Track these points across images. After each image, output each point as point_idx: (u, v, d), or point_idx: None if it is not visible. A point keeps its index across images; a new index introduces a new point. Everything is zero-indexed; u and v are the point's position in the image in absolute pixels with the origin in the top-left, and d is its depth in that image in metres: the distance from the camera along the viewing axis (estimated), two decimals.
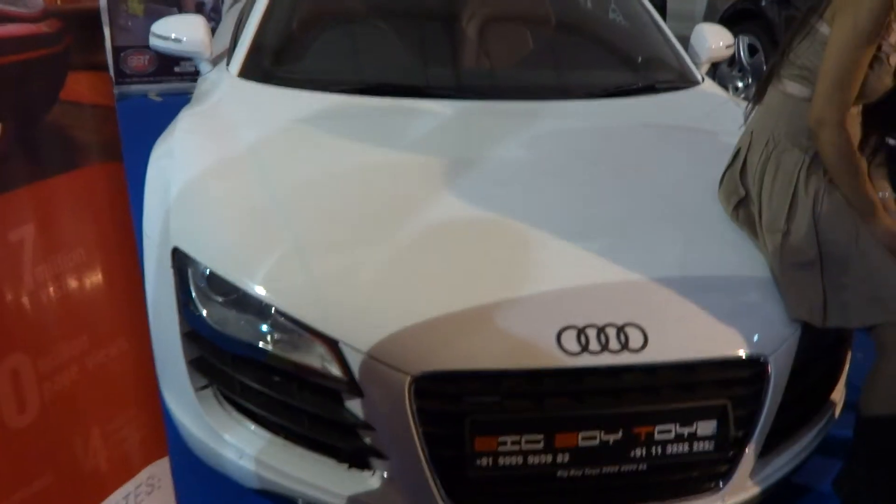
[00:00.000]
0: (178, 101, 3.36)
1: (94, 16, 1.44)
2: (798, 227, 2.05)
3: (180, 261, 2.07)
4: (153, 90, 6.04)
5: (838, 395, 2.28)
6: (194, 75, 3.19)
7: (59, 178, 1.44)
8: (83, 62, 1.44)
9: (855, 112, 2.08)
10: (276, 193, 2.18)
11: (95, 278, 1.54)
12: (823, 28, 2.03)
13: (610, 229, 2.12)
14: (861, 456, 2.14)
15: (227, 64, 2.93)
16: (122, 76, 5.95)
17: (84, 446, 1.55)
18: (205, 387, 2.06)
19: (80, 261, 1.50)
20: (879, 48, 1.99)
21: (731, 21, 5.77)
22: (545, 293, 1.91)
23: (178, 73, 5.94)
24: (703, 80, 3.08)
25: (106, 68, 1.48)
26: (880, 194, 2.17)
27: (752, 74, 5.63)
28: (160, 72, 5.99)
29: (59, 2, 1.37)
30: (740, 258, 2.10)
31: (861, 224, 2.04)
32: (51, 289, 1.45)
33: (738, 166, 2.22)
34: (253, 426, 2.01)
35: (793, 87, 2.11)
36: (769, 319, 1.98)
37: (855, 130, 2.11)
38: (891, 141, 3.73)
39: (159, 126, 2.74)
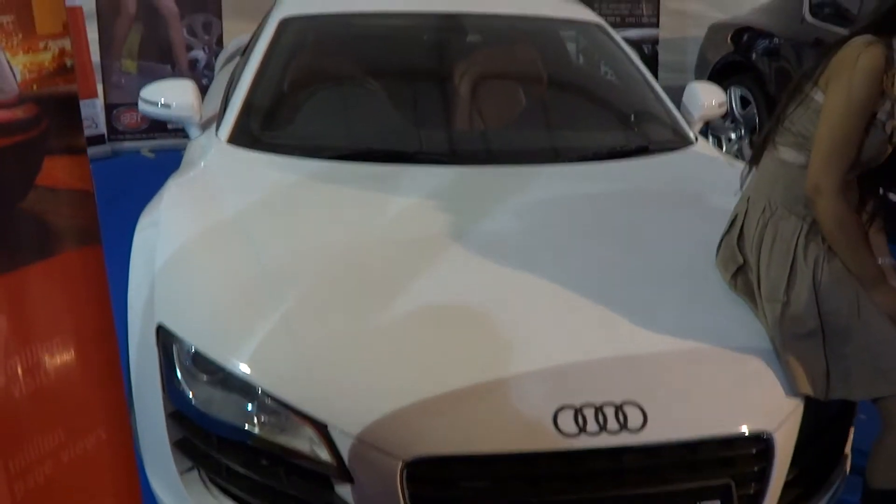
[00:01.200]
0: (171, 158, 3.33)
1: (73, 99, 1.41)
2: (798, 296, 2.00)
3: (165, 338, 2.01)
4: (146, 147, 6.02)
5: (844, 465, 2.21)
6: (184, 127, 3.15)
7: (34, 266, 1.40)
8: (61, 146, 1.40)
9: (851, 177, 2.05)
10: (264, 269, 2.13)
11: (72, 368, 1.49)
12: (818, 95, 2.00)
13: (605, 301, 2.06)
14: None
15: (217, 129, 2.90)
16: (115, 133, 5.94)
17: None
18: (190, 469, 1.99)
19: (55, 350, 1.45)
20: (875, 115, 1.96)
21: (722, 73, 5.81)
22: (540, 371, 1.85)
23: (171, 130, 5.93)
24: (696, 139, 3.05)
25: (84, 151, 1.44)
26: (880, 261, 2.13)
27: (744, 126, 5.64)
28: (153, 128, 5.97)
29: (35, 86, 1.34)
30: (740, 329, 2.05)
31: (862, 292, 1.99)
32: (24, 382, 1.39)
33: (736, 233, 2.19)
34: None
35: (788, 154, 2.08)
36: (772, 393, 1.93)
37: (852, 195, 2.08)
38: (893, 196, 3.74)
39: (151, 182, 2.70)
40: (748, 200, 2.18)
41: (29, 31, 1.29)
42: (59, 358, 1.47)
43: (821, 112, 1.98)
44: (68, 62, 1.38)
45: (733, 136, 5.74)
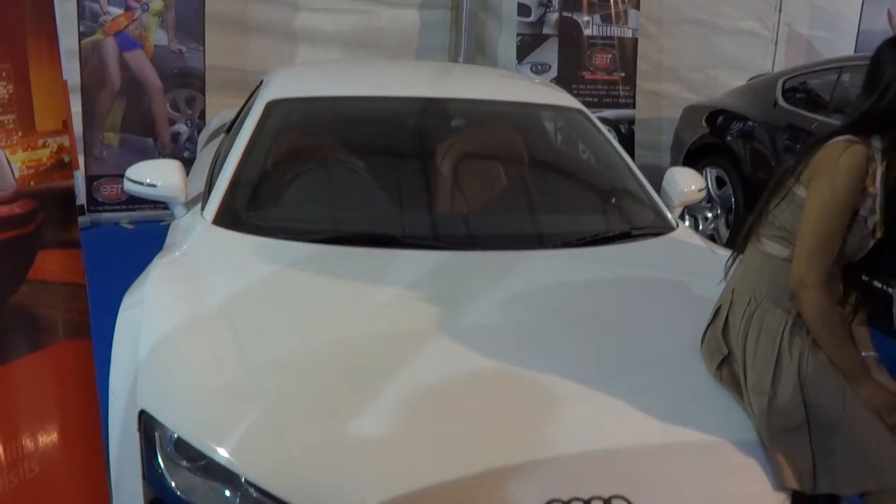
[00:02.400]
0: (151, 229, 3.32)
1: (69, 193, 1.42)
2: (784, 389, 2.01)
3: (147, 424, 1.99)
4: (125, 218, 6.02)
5: None
6: (167, 205, 3.16)
7: (24, 358, 1.39)
8: (55, 240, 1.41)
9: (835, 270, 2.09)
10: (249, 355, 2.11)
11: (57, 460, 1.47)
12: (800, 191, 2.05)
13: (591, 392, 2.07)
14: None
15: (202, 209, 2.91)
16: (95, 204, 5.93)
17: None
18: None
19: (41, 443, 1.43)
20: (857, 212, 2.01)
21: (697, 154, 5.93)
22: (527, 464, 1.84)
23: (150, 202, 5.93)
24: (677, 225, 3.10)
25: (78, 245, 1.44)
26: (864, 354, 2.16)
27: (720, 206, 5.74)
28: (133, 200, 5.97)
29: (32, 182, 1.35)
30: (726, 420, 2.05)
31: (847, 387, 2.01)
32: (8, 476, 1.37)
33: (721, 324, 2.20)
34: None
35: (772, 248, 2.12)
36: (758, 486, 1.93)
37: (835, 287, 2.11)
38: (877, 283, 3.79)
39: (131, 253, 2.68)
40: (733, 291, 2.21)
41: (29, 129, 1.30)
42: (46, 449, 1.45)
43: (804, 208, 2.02)
44: (66, 158, 1.39)
45: (710, 214, 5.83)
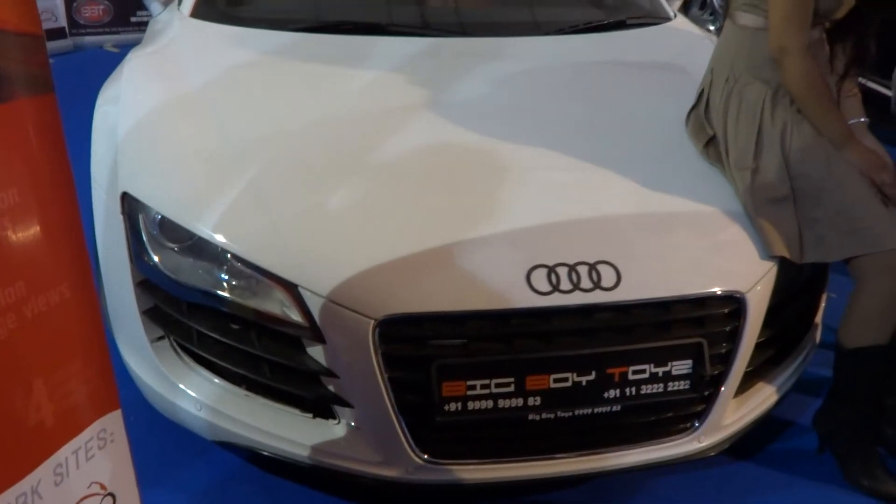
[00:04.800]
0: None
1: None
2: (767, 163, 1.98)
3: (130, 206, 1.97)
4: (109, 41, 5.84)
5: (814, 333, 2.24)
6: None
7: None
8: None
9: (816, 35, 2.01)
10: (231, 136, 2.07)
11: (31, 220, 1.44)
12: None
13: (581, 166, 2.04)
14: (840, 394, 2.10)
15: (179, 3, 2.79)
16: (77, 27, 5.75)
17: (25, 400, 1.46)
18: (160, 338, 1.97)
19: (12, 202, 1.40)
20: None
21: None
22: (514, 231, 1.83)
23: (134, 23, 5.74)
24: (675, 16, 2.99)
25: None
26: (852, 121, 2.11)
27: (723, 17, 5.54)
28: (116, 22, 5.79)
29: None
30: (715, 193, 2.03)
31: (833, 154, 1.97)
32: None
33: (703, 106, 2.17)
34: (212, 377, 1.92)
35: (745, 19, 2.05)
36: (745, 255, 1.92)
37: (821, 55, 2.04)
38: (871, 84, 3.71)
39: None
40: (712, 72, 2.15)
41: None
42: (17, 209, 1.41)
43: None
44: None
45: (712, 27, 5.65)
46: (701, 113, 2.17)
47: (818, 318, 2.24)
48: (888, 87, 3.87)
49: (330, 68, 2.41)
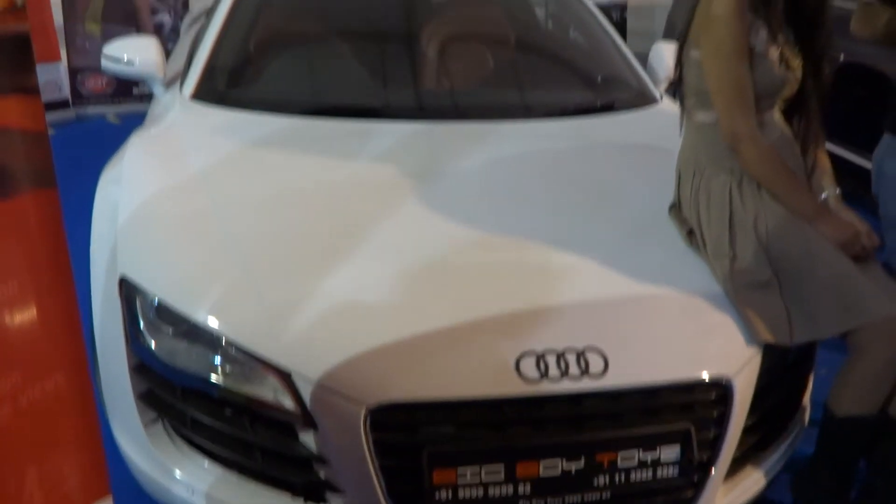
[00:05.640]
0: (138, 123, 3.27)
1: (24, 38, 1.38)
2: (743, 249, 2.02)
3: (128, 291, 2.00)
4: (111, 112, 5.93)
5: (803, 415, 2.25)
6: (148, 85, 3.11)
7: None
8: (12, 86, 1.38)
9: (777, 117, 2.09)
10: (227, 221, 2.11)
11: (29, 312, 1.47)
12: (694, 52, 2.08)
13: (568, 251, 2.07)
14: (823, 459, 2.09)
15: (181, 86, 2.87)
16: (80, 98, 5.84)
17: (19, 489, 1.47)
18: (154, 421, 1.99)
19: (11, 294, 1.43)
20: (752, 49, 2.00)
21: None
22: (503, 317, 1.86)
23: (136, 95, 5.85)
24: (661, 98, 3.06)
25: (37, 91, 1.41)
26: (826, 193, 2.16)
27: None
28: (119, 93, 5.89)
29: None
30: (700, 277, 2.06)
31: (810, 230, 2.01)
32: None
33: (677, 203, 2.24)
34: (204, 461, 1.93)
35: (699, 115, 2.14)
36: (731, 339, 1.95)
37: (784, 138, 2.11)
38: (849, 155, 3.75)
39: (117, 148, 2.67)
40: (679, 171, 2.23)
41: None
42: (16, 301, 1.45)
43: (703, 67, 2.04)
44: (19, 1, 1.35)
45: None
46: (676, 208, 2.24)
47: (806, 399, 2.26)
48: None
49: (326, 154, 2.47)
